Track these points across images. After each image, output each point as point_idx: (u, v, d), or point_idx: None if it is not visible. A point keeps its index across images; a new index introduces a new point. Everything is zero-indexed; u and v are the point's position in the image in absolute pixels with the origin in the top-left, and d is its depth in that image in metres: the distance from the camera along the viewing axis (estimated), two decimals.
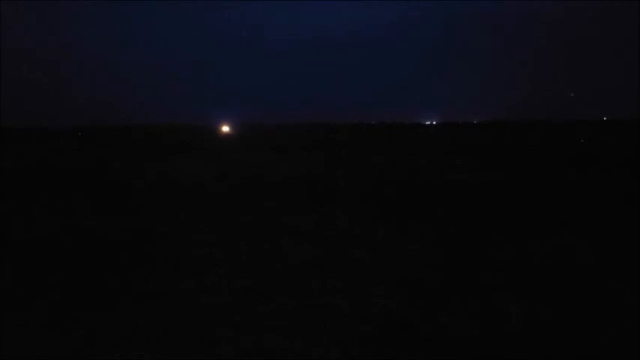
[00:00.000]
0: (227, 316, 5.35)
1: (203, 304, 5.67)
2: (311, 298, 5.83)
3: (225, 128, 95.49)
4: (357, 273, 6.71)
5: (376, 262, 7.20)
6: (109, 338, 4.86)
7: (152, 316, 5.36)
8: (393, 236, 8.75)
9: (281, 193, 14.06)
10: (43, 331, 5.06)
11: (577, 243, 8.06)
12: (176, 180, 17.39)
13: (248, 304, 5.65)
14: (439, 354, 4.51)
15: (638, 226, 9.02)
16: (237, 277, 6.62)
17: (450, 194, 13.42)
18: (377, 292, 5.99)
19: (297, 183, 16.12)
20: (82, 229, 9.55)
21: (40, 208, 11.91)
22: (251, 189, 15.00)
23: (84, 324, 5.17)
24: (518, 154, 28.16)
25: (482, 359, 4.44)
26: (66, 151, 37.12)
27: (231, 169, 21.46)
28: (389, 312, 5.42)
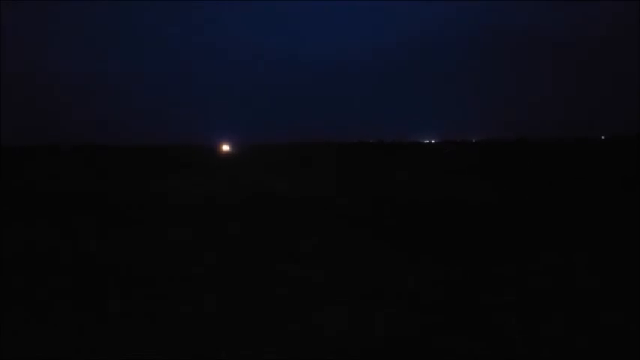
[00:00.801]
0: (225, 335, 5.37)
1: (202, 323, 5.70)
2: (310, 318, 5.86)
3: (226, 147, 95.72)
4: (356, 293, 6.74)
5: (376, 282, 7.23)
6: (109, 346, 4.89)
7: (150, 333, 5.39)
8: (392, 256, 8.79)
9: (280, 212, 14.11)
10: (44, 334, 5.09)
11: (576, 261, 8.11)
12: (176, 199, 17.44)
13: (247, 324, 5.68)
14: None
15: (636, 244, 9.07)
16: (236, 296, 6.65)
17: (449, 214, 13.47)
18: (377, 312, 6.02)
19: (296, 202, 16.17)
20: (82, 246, 9.58)
21: (43, 225, 11.95)
22: (250, 208, 15.05)
23: (84, 336, 5.20)
24: (516, 173, 28.26)
25: None
26: (67, 170, 37.20)
27: (230, 188, 21.52)
28: (389, 330, 5.45)
